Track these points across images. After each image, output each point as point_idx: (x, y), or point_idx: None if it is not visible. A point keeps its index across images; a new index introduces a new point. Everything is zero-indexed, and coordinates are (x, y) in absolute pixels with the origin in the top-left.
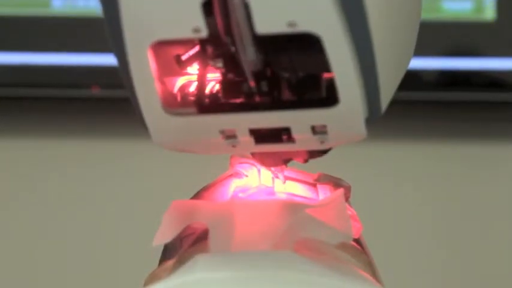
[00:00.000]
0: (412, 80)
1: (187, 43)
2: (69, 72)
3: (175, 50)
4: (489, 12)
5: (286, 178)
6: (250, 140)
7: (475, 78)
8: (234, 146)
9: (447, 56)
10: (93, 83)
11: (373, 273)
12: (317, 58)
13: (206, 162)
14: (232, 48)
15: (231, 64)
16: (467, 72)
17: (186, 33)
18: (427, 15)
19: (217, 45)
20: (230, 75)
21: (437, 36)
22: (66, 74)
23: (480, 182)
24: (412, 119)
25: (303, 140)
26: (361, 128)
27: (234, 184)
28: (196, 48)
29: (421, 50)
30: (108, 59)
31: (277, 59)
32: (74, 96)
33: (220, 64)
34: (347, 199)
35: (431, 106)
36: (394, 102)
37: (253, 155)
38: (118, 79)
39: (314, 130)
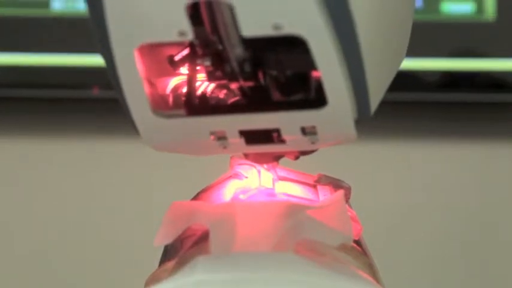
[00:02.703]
0: (413, 80)
1: (179, 43)
2: (70, 73)
3: (168, 50)
4: (490, 13)
5: (286, 179)
6: (240, 141)
7: (477, 79)
8: (225, 147)
9: (448, 57)
10: (93, 84)
11: (374, 274)
12: (304, 56)
13: (206, 163)
14: (220, 46)
15: (219, 62)
16: (469, 73)
17: (172, 37)
18: (429, 16)
19: (205, 47)
20: (218, 73)
21: (438, 37)
22: (66, 74)
23: (482, 182)
24: (413, 119)
25: (294, 140)
26: (350, 129)
27: (234, 185)
28: (189, 49)
29: (422, 51)
30: None
31: (265, 56)
32: (74, 96)
33: (208, 63)
34: (347, 200)
35: (432, 107)
36: (394, 103)
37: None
38: None
39: (304, 131)
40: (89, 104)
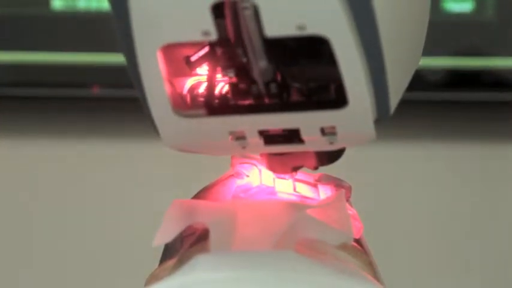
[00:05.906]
0: (414, 79)
1: (196, 44)
2: (69, 72)
3: (185, 51)
4: (490, 12)
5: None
6: (259, 141)
7: (479, 78)
8: (243, 147)
9: (451, 56)
10: (93, 83)
11: (374, 273)
12: (327, 69)
13: (207, 162)
14: (244, 59)
15: (243, 73)
16: (471, 72)
17: (196, 36)
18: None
19: (226, 47)
20: (241, 85)
21: (440, 35)
22: (66, 73)
23: (485, 182)
24: (414, 118)
25: (313, 141)
26: (370, 129)
27: (235, 184)
28: (206, 49)
29: (423, 49)
30: (108, 58)
31: (288, 69)
32: (74, 95)
33: (231, 74)
34: (347, 199)
35: (433, 106)
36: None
37: (263, 160)
38: (118, 78)
39: (323, 131)
40: (89, 103)
